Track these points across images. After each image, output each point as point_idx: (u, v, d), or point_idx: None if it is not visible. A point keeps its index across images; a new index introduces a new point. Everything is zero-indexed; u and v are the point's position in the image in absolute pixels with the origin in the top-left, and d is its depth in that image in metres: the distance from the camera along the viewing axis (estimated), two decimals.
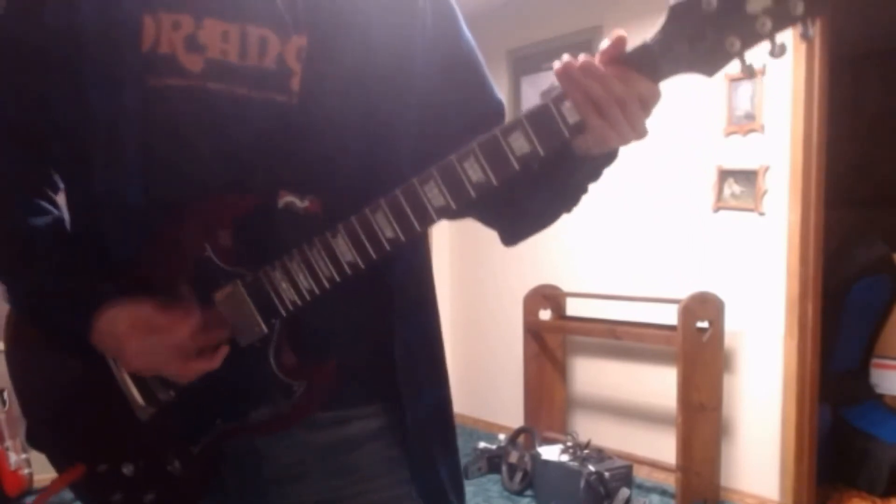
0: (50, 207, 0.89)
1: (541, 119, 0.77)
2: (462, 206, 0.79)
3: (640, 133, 0.77)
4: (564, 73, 0.75)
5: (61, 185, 0.92)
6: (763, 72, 3.00)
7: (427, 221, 0.79)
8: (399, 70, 0.89)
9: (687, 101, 3.29)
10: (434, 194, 0.78)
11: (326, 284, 0.81)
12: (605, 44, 0.75)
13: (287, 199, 0.82)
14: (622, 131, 0.76)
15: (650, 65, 0.75)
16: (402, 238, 0.79)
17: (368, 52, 0.87)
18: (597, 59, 0.75)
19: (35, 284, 0.86)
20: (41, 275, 0.85)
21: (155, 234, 0.83)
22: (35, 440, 0.94)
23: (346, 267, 0.80)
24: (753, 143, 3.07)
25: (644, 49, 0.74)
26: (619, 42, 0.74)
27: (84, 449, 0.88)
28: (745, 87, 3.07)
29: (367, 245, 0.80)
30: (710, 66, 0.75)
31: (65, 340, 0.86)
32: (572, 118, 0.76)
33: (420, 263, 0.95)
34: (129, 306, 0.81)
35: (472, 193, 0.78)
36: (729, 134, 3.14)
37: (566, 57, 0.76)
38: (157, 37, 0.81)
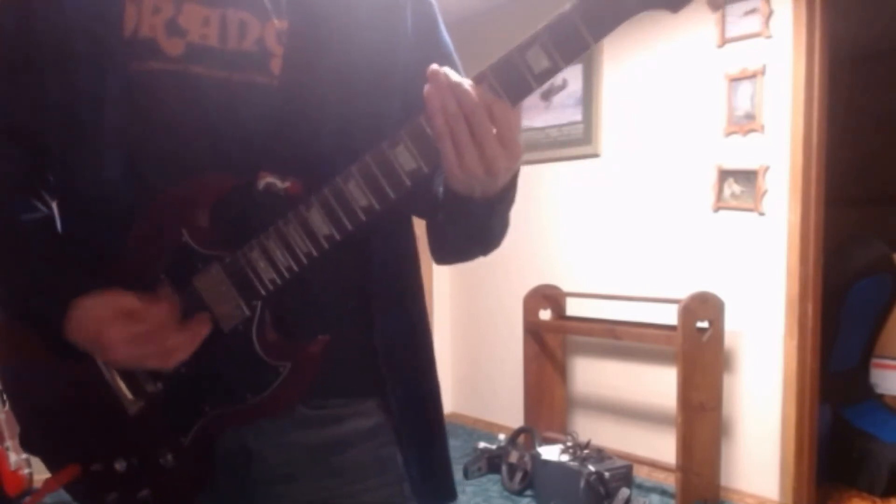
0: (41, 206, 0.89)
1: (506, 72, 0.74)
2: (434, 168, 0.77)
3: (487, 162, 0.74)
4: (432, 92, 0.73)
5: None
6: (763, 71, 3.00)
7: (400, 187, 0.77)
8: (380, 60, 0.89)
9: (687, 101, 3.29)
10: (405, 157, 0.76)
11: (304, 260, 0.80)
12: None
13: (267, 179, 0.81)
14: (467, 155, 0.74)
15: (610, 6, 0.71)
16: (377, 206, 0.78)
17: (350, 40, 0.88)
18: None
19: (19, 278, 0.86)
20: (26, 269, 0.85)
21: (136, 222, 0.83)
22: (29, 444, 0.94)
23: (322, 241, 0.79)
24: (753, 143, 3.07)
25: None
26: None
27: (77, 449, 0.88)
28: (745, 87, 3.07)
29: (342, 216, 0.78)
30: (674, 1, 0.72)
31: (45, 335, 0.86)
32: (537, 66, 0.73)
33: (401, 251, 0.96)
34: (109, 296, 0.80)
35: None
36: (729, 134, 3.14)
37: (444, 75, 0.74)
38: (138, 21, 0.82)
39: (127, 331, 0.79)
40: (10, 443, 3.13)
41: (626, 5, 0.72)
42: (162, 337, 0.79)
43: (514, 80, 0.73)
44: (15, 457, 3.13)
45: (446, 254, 0.97)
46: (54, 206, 0.90)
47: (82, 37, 0.81)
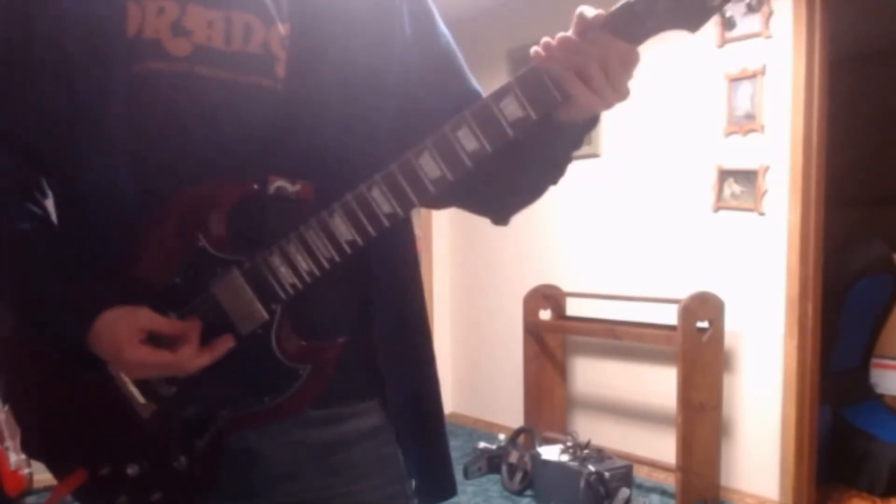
0: (38, 212, 0.88)
1: (531, 83, 0.77)
2: (459, 177, 0.79)
3: (622, 94, 0.80)
4: (545, 55, 0.77)
5: (49, 192, 0.91)
6: (763, 71, 3.00)
7: (424, 194, 0.79)
8: (378, 63, 0.90)
9: (687, 101, 3.29)
10: (430, 167, 0.79)
11: (326, 265, 0.81)
12: (578, 14, 0.77)
13: (277, 183, 0.82)
14: (605, 95, 0.79)
15: (631, 25, 0.76)
16: (401, 213, 0.80)
17: (350, 44, 0.88)
18: (573, 30, 0.77)
19: (26, 290, 0.85)
20: (32, 280, 0.84)
21: (147, 226, 0.82)
22: (31, 448, 0.93)
23: (345, 246, 0.80)
24: (753, 143, 3.07)
25: (626, 8, 0.76)
26: (583, 17, 0.77)
27: (85, 453, 0.88)
28: (745, 87, 3.07)
29: (366, 222, 0.80)
30: (692, 21, 0.77)
31: (59, 344, 0.85)
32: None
33: (400, 250, 0.96)
34: (128, 313, 0.80)
35: (468, 162, 0.78)
36: (729, 134, 3.14)
37: (545, 40, 0.77)
38: (142, 22, 0.81)
39: (147, 356, 0.79)
40: (11, 443, 3.13)
41: (647, 24, 0.76)
42: (180, 368, 0.80)
43: (542, 92, 0.78)
44: (15, 457, 3.12)
45: (516, 203, 0.99)
46: (52, 209, 0.90)
47: (83, 39, 0.81)
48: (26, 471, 3.15)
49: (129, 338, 0.79)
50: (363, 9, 0.90)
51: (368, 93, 0.88)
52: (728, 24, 0.79)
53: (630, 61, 0.78)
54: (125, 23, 0.81)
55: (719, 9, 0.76)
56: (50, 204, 0.91)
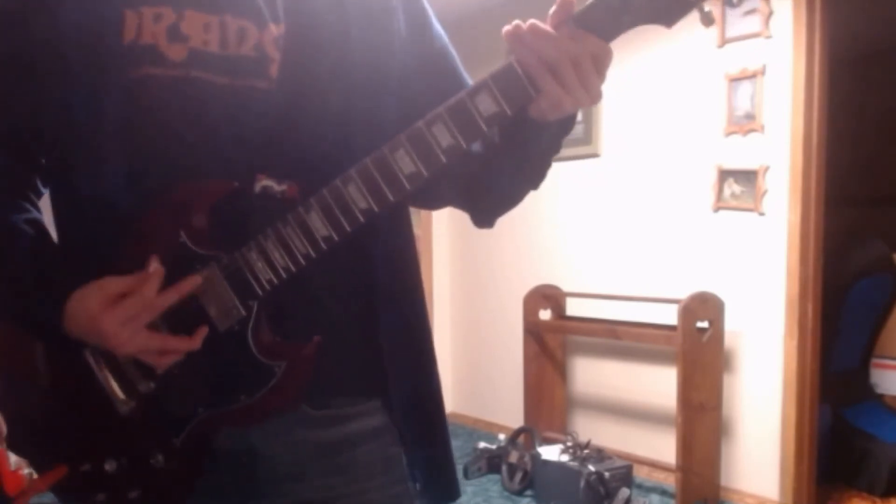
0: (30, 208, 0.89)
1: (506, 78, 0.77)
2: (434, 173, 0.79)
3: (594, 96, 0.78)
4: (514, 36, 0.76)
5: (44, 190, 0.92)
6: (763, 71, 3.00)
7: (399, 190, 0.79)
8: (376, 63, 0.90)
9: (687, 101, 3.29)
10: (405, 162, 0.78)
11: (302, 261, 0.81)
12: (553, 8, 0.76)
13: (264, 182, 0.82)
14: (576, 94, 0.77)
15: (606, 20, 0.75)
16: (376, 208, 0.79)
17: (346, 44, 0.88)
18: (547, 22, 0.76)
19: (8, 279, 0.85)
20: (14, 269, 0.85)
21: (133, 223, 0.83)
22: (16, 444, 0.93)
23: (320, 241, 0.80)
24: (753, 143, 3.07)
25: (601, 2, 0.75)
26: (567, 2, 0.75)
27: (65, 449, 0.88)
28: (745, 87, 3.07)
29: (341, 218, 0.79)
30: (668, 16, 0.75)
31: (41, 333, 0.86)
32: None
33: (401, 250, 0.96)
34: (95, 285, 0.80)
35: (443, 158, 0.78)
36: (729, 134, 3.14)
37: (516, 22, 0.76)
38: (139, 29, 0.82)
39: (118, 315, 0.78)
40: None
41: (622, 19, 0.74)
42: (148, 305, 0.79)
43: (516, 87, 0.77)
44: (15, 456, 3.13)
45: (496, 207, 0.99)
46: (49, 210, 0.91)
47: (80, 45, 0.81)
48: (26, 471, 3.15)
49: (100, 308, 0.79)
50: (360, 8, 0.90)
51: (368, 89, 0.88)
52: (707, 19, 0.77)
53: (602, 60, 0.77)
54: (122, 29, 0.81)
55: (696, 3, 0.75)
56: (44, 202, 0.91)
